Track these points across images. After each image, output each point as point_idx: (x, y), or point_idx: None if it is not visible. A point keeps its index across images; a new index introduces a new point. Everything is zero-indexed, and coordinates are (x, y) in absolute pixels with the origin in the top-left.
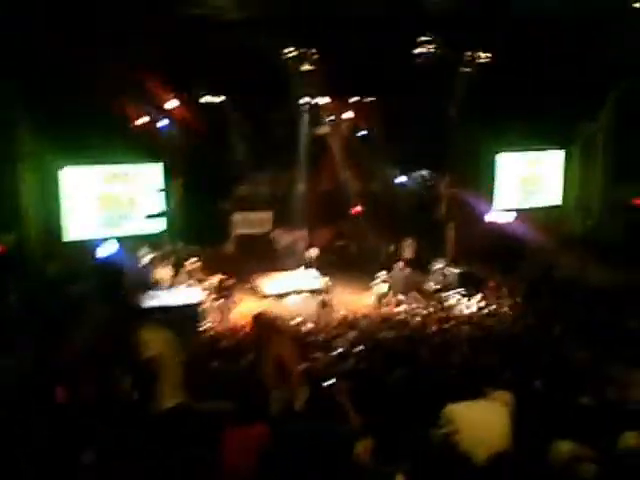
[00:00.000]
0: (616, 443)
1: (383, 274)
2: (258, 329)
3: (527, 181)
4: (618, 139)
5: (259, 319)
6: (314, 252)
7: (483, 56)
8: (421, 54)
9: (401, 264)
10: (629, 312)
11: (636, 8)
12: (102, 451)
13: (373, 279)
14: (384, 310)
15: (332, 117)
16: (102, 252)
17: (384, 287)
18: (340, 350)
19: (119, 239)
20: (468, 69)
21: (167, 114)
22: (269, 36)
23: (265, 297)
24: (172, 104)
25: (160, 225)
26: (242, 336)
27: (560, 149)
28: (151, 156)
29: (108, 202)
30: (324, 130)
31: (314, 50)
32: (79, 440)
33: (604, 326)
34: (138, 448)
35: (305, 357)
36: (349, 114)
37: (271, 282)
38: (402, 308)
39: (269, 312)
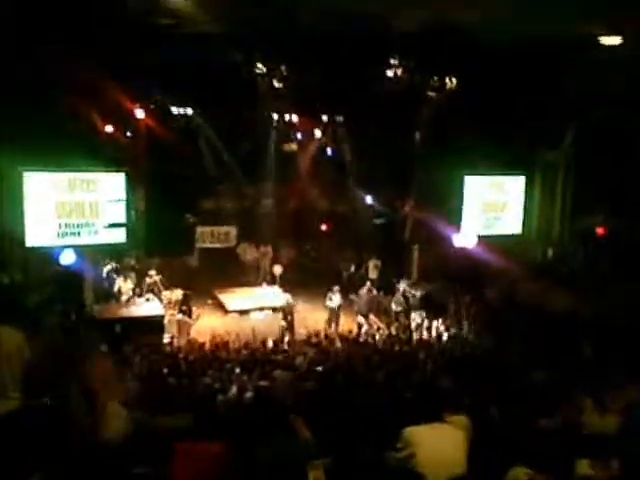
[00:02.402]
0: (571, 470)
1: (336, 289)
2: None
3: (490, 207)
4: (579, 168)
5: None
6: (278, 269)
7: (450, 82)
8: (389, 77)
9: (368, 285)
10: (586, 339)
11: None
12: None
13: (347, 298)
14: (338, 328)
15: (300, 135)
16: (62, 260)
17: (336, 302)
18: (300, 370)
19: (80, 248)
20: (435, 94)
21: (133, 124)
22: (239, 51)
23: (227, 313)
24: (140, 114)
25: (121, 235)
26: (201, 352)
27: (521, 174)
28: (115, 165)
29: (69, 210)
30: (292, 147)
31: (284, 67)
32: (25, 463)
33: (562, 352)
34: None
35: (265, 375)
36: (317, 133)
37: (234, 298)
38: (364, 329)
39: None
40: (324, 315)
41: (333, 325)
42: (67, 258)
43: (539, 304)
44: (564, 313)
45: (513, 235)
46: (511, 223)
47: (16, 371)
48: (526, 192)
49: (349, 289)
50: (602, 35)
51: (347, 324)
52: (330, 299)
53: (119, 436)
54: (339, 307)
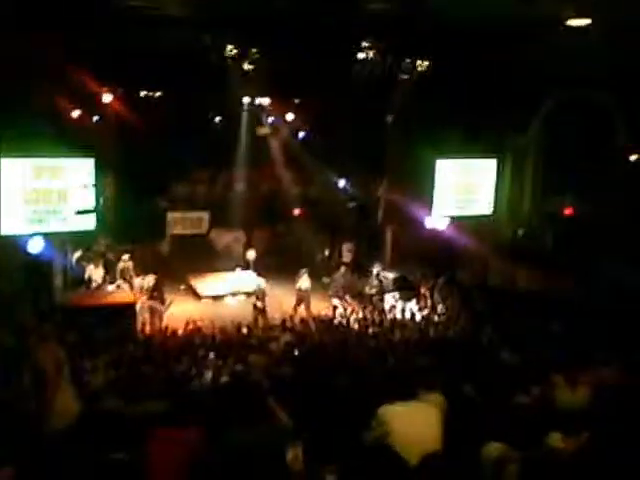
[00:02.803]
0: (543, 444)
1: (303, 271)
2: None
3: (461, 189)
4: (548, 151)
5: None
6: (252, 254)
7: (421, 65)
8: (361, 60)
9: (343, 269)
10: (554, 316)
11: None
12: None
13: (320, 281)
14: (309, 311)
15: (272, 118)
16: (30, 248)
17: (304, 285)
18: (275, 354)
19: (48, 235)
20: (407, 76)
21: (102, 108)
22: (209, 33)
23: (200, 298)
24: (107, 98)
25: (91, 222)
26: (175, 338)
27: (493, 157)
28: (83, 150)
29: (37, 196)
30: (264, 131)
31: (255, 49)
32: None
33: (531, 330)
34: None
35: (240, 359)
36: (290, 116)
37: (207, 283)
38: (338, 312)
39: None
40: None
41: (303, 308)
42: (36, 246)
43: (510, 283)
44: (534, 292)
45: (484, 216)
46: (482, 205)
47: None
48: (497, 174)
49: (323, 272)
50: (570, 17)
51: (320, 307)
52: (298, 282)
53: (67, 425)
54: (308, 290)
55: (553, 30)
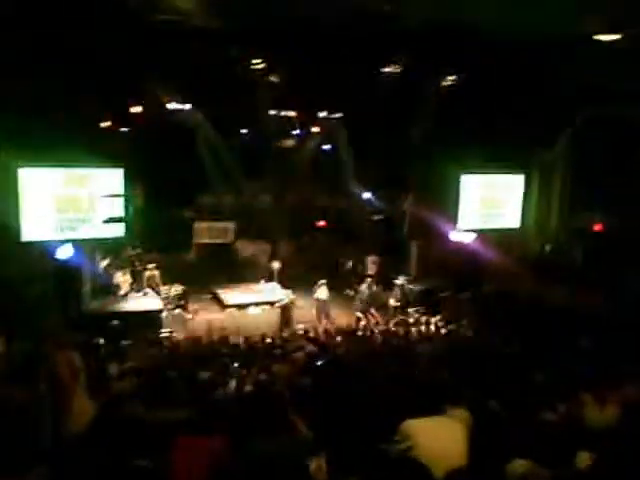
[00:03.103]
0: (572, 463)
1: (321, 282)
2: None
3: (487, 203)
4: (576, 166)
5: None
6: (276, 265)
7: (448, 79)
8: (388, 74)
9: (368, 281)
10: (582, 332)
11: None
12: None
13: (344, 293)
14: (330, 321)
15: (299, 131)
16: (60, 255)
17: (322, 295)
18: (299, 365)
19: (77, 242)
20: (433, 91)
21: (131, 119)
22: (237, 46)
23: (225, 307)
24: (136, 110)
25: (119, 230)
26: (199, 346)
27: (521, 173)
28: (112, 160)
29: (66, 204)
30: (290, 143)
31: (281, 63)
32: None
33: (559, 345)
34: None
35: (264, 369)
36: (316, 129)
37: (232, 293)
38: (362, 324)
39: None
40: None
41: (323, 318)
42: (65, 253)
43: (537, 299)
44: (561, 307)
45: (511, 230)
46: (509, 219)
47: None
48: (524, 189)
49: (346, 285)
50: (601, 33)
51: (344, 318)
52: (316, 292)
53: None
54: (326, 300)
55: (584, 45)
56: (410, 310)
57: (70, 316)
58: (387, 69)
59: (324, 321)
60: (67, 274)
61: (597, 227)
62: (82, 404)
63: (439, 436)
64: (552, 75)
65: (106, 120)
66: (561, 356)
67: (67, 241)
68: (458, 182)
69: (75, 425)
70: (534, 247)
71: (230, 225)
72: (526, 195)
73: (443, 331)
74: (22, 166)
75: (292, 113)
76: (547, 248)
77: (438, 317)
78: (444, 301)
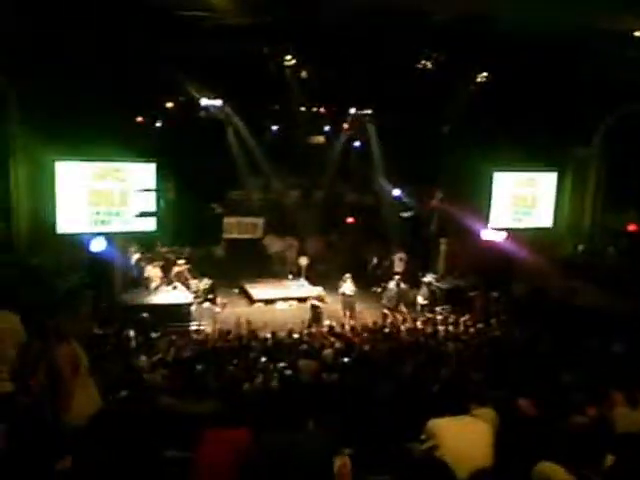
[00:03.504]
0: (600, 466)
1: (347, 276)
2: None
3: (519, 201)
4: (611, 164)
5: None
6: (304, 260)
7: (480, 76)
8: (418, 70)
9: (396, 278)
10: (615, 334)
11: (635, 36)
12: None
13: (371, 290)
14: (355, 315)
15: (329, 127)
16: (92, 247)
17: (348, 289)
18: (326, 361)
19: (109, 235)
20: (464, 87)
21: (163, 115)
22: (268, 42)
23: (253, 302)
24: (168, 105)
25: (151, 224)
26: (227, 340)
27: (553, 171)
28: (145, 155)
29: (99, 198)
30: (320, 140)
31: (312, 59)
32: (55, 446)
33: (591, 347)
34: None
35: (291, 364)
36: (346, 125)
37: (260, 288)
38: (389, 321)
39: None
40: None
41: (348, 313)
42: (98, 245)
43: (569, 299)
44: (594, 308)
45: (543, 229)
46: (541, 217)
47: (7, 353)
48: (557, 187)
49: (374, 281)
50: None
51: (371, 315)
52: (342, 287)
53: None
54: (352, 295)
55: (620, 42)
56: (438, 308)
57: (101, 308)
58: (418, 65)
59: (348, 316)
60: (99, 267)
61: (632, 227)
62: (84, 398)
63: (464, 436)
64: (587, 72)
65: (139, 116)
66: (592, 357)
67: (100, 234)
68: (490, 179)
69: (77, 418)
70: (566, 247)
71: (259, 221)
72: (559, 194)
73: (471, 330)
74: (58, 160)
75: (322, 109)
76: (580, 248)
77: (467, 316)
78: (473, 300)
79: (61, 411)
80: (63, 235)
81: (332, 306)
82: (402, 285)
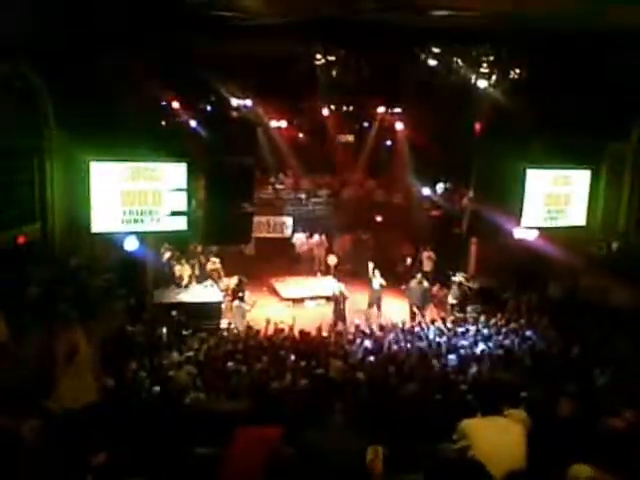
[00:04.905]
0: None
1: (376, 271)
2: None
3: (552, 199)
4: None
5: None
6: (333, 259)
7: (514, 72)
8: (449, 68)
9: (418, 276)
10: None
11: None
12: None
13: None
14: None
15: (358, 126)
16: (125, 246)
17: (376, 284)
18: (354, 360)
19: (142, 235)
20: (496, 84)
21: (194, 115)
22: (297, 41)
23: (282, 301)
24: (200, 105)
25: (183, 223)
26: (257, 338)
27: (587, 168)
28: (177, 155)
29: (133, 198)
30: (349, 138)
31: (343, 58)
32: (89, 441)
33: (625, 349)
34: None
35: (320, 363)
36: (375, 124)
37: (289, 286)
38: (417, 320)
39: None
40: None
41: (375, 309)
42: (130, 244)
43: (603, 300)
44: (628, 309)
45: (576, 227)
46: (574, 216)
47: None
48: (591, 185)
49: (402, 280)
50: None
51: (399, 314)
52: (372, 281)
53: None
54: (380, 291)
55: None
56: (469, 308)
57: (133, 306)
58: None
59: (375, 311)
60: (132, 265)
61: None
62: (74, 386)
63: (497, 437)
64: (620, 65)
65: (172, 116)
66: (626, 360)
67: (133, 233)
68: (523, 177)
69: (62, 405)
70: (600, 246)
71: (288, 219)
72: (593, 191)
73: (503, 331)
74: (93, 160)
75: (352, 108)
76: (614, 247)
77: (499, 316)
78: (504, 300)
79: (47, 393)
80: (97, 234)
81: (360, 304)
82: (425, 283)
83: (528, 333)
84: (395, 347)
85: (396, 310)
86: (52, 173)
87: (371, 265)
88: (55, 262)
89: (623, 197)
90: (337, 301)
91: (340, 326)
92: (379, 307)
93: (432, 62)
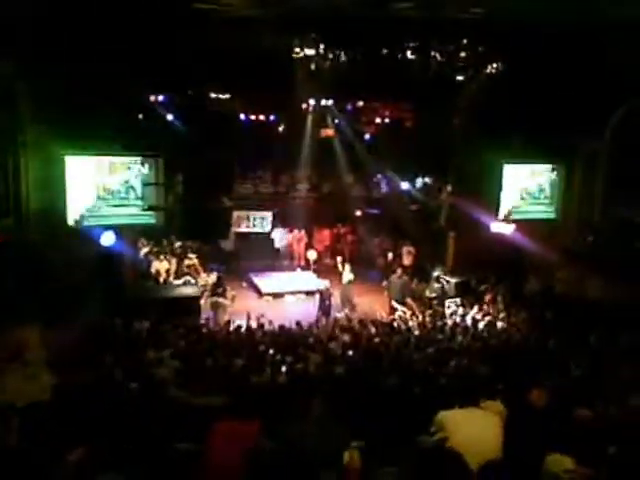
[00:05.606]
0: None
1: (346, 265)
2: None
3: (528, 193)
4: (621, 157)
5: None
6: (312, 254)
7: (489, 68)
8: (428, 62)
9: (399, 271)
10: (624, 327)
11: None
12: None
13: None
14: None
15: (337, 120)
16: (102, 241)
17: (347, 277)
18: (333, 354)
19: (118, 229)
20: (474, 79)
21: (171, 109)
22: (278, 35)
23: (261, 296)
24: (176, 99)
25: (159, 218)
26: (236, 333)
27: (562, 163)
28: (153, 149)
29: (109, 192)
30: (328, 132)
31: (321, 52)
32: (66, 436)
33: (599, 341)
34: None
35: (299, 357)
36: (354, 118)
37: (268, 281)
38: (397, 314)
39: None
40: (357, 299)
41: (346, 304)
42: (107, 239)
43: (578, 292)
44: (603, 302)
45: (551, 221)
46: (548, 209)
47: None
48: (566, 179)
49: (383, 274)
50: None
51: (378, 309)
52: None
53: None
54: (350, 286)
55: (633, 32)
56: (447, 302)
57: (110, 302)
58: (428, 56)
59: (347, 307)
60: (109, 260)
61: None
62: (18, 381)
63: (474, 428)
64: (598, 64)
65: (148, 110)
66: (600, 352)
67: (109, 228)
68: (500, 172)
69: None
70: (575, 239)
71: (267, 214)
72: (568, 186)
73: (481, 324)
74: (68, 154)
75: (331, 102)
76: (589, 240)
77: (475, 309)
78: (482, 293)
79: None
80: (73, 229)
81: (337, 299)
82: (405, 277)
83: (505, 325)
84: (375, 340)
85: (376, 304)
86: (27, 168)
87: (339, 259)
88: (29, 258)
89: (596, 193)
90: (323, 296)
91: (323, 321)
92: (352, 305)
93: (411, 56)
